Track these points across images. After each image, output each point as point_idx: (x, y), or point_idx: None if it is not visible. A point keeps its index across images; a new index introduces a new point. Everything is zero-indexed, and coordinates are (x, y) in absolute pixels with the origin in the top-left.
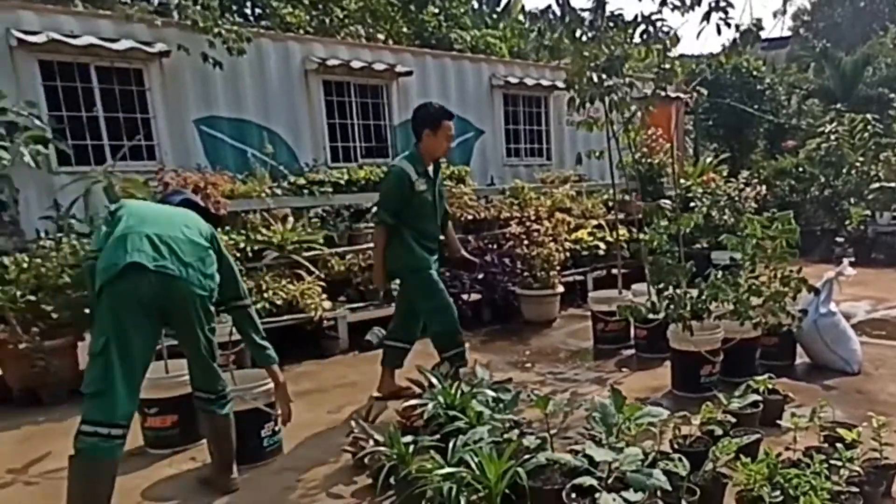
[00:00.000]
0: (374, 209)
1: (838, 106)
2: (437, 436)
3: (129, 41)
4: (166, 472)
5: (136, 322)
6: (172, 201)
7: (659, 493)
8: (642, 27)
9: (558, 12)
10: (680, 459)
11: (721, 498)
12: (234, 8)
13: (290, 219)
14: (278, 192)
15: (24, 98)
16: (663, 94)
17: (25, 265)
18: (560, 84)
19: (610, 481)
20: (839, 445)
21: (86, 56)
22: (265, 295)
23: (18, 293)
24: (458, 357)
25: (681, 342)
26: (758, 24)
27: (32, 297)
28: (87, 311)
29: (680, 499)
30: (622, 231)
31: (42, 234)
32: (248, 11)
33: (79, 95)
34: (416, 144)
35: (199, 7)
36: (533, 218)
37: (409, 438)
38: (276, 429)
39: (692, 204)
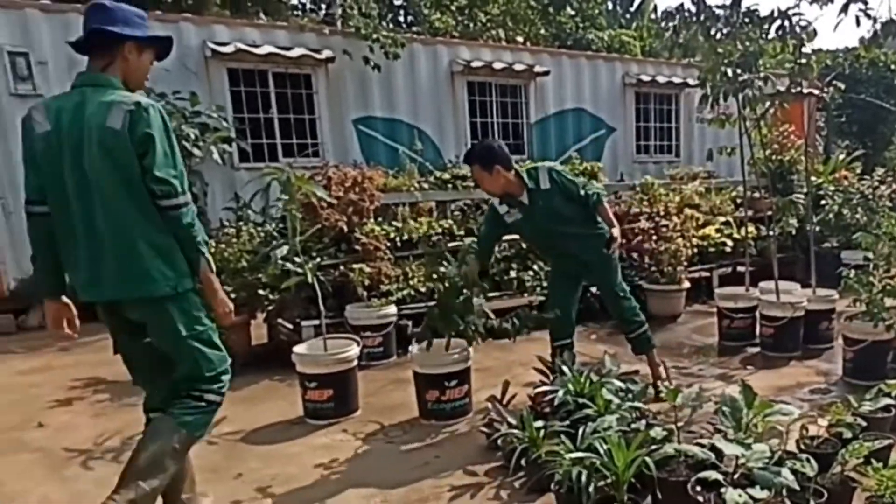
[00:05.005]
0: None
1: None
2: (567, 422)
3: (301, 49)
4: (321, 441)
5: None
6: None
7: (785, 492)
8: (778, 22)
9: (693, 10)
10: (808, 460)
11: (849, 502)
12: (390, 16)
13: (435, 213)
14: (425, 186)
15: (215, 102)
16: (797, 89)
17: (211, 251)
18: (691, 81)
19: (735, 477)
20: None
21: (265, 63)
22: (410, 282)
23: None
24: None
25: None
26: None
27: None
28: (260, 291)
29: (807, 500)
30: (750, 228)
31: (224, 224)
32: (401, 18)
33: (258, 99)
34: None
35: (361, 16)
36: (662, 214)
37: (539, 423)
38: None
39: (823, 202)
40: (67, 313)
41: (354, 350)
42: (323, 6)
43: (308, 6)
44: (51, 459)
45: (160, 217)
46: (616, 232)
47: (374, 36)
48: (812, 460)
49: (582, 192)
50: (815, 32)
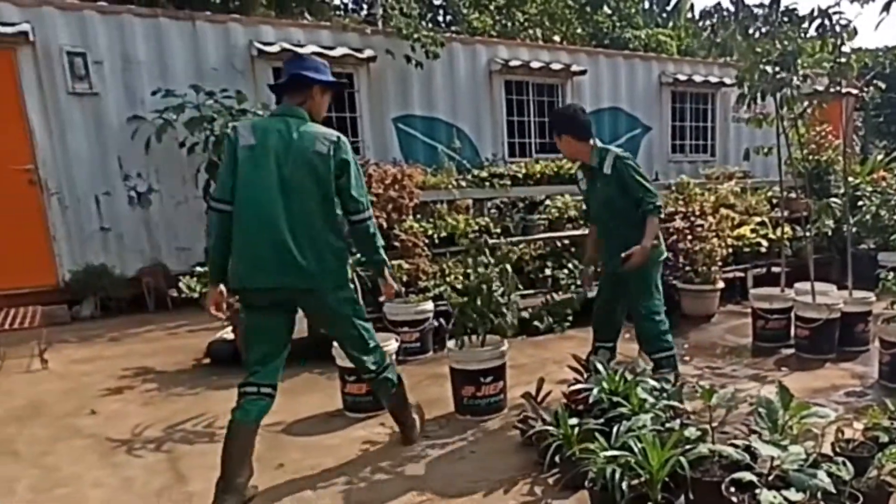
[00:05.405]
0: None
1: None
2: (601, 420)
3: (344, 48)
4: (359, 434)
5: None
6: None
7: (820, 495)
8: (818, 21)
9: (732, 9)
10: (843, 463)
11: None
12: (429, 15)
13: (472, 210)
14: (463, 184)
15: (261, 100)
16: (836, 89)
17: None
18: (727, 80)
19: (770, 478)
20: None
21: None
22: (447, 279)
23: None
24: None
25: None
26: None
27: None
28: None
29: (843, 503)
30: (786, 229)
31: None
32: (440, 18)
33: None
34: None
35: (401, 16)
36: (697, 213)
37: (574, 421)
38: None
39: (860, 203)
40: (223, 298)
41: (392, 345)
42: (364, 6)
43: (350, 6)
44: (102, 446)
45: (346, 227)
46: (638, 247)
47: (415, 35)
48: (848, 463)
49: (640, 194)
50: (855, 31)
